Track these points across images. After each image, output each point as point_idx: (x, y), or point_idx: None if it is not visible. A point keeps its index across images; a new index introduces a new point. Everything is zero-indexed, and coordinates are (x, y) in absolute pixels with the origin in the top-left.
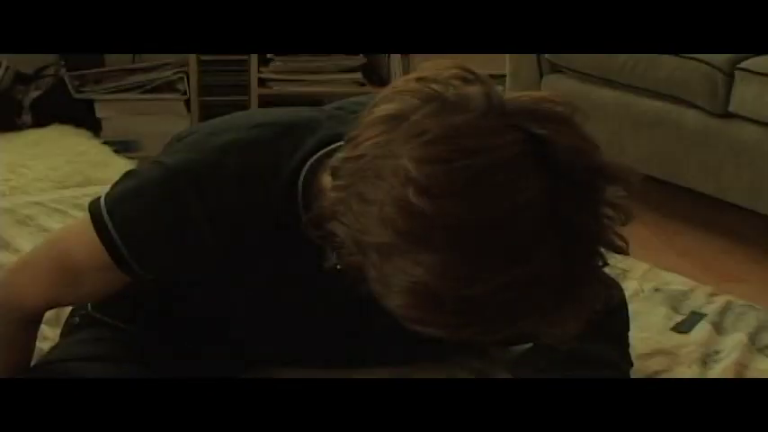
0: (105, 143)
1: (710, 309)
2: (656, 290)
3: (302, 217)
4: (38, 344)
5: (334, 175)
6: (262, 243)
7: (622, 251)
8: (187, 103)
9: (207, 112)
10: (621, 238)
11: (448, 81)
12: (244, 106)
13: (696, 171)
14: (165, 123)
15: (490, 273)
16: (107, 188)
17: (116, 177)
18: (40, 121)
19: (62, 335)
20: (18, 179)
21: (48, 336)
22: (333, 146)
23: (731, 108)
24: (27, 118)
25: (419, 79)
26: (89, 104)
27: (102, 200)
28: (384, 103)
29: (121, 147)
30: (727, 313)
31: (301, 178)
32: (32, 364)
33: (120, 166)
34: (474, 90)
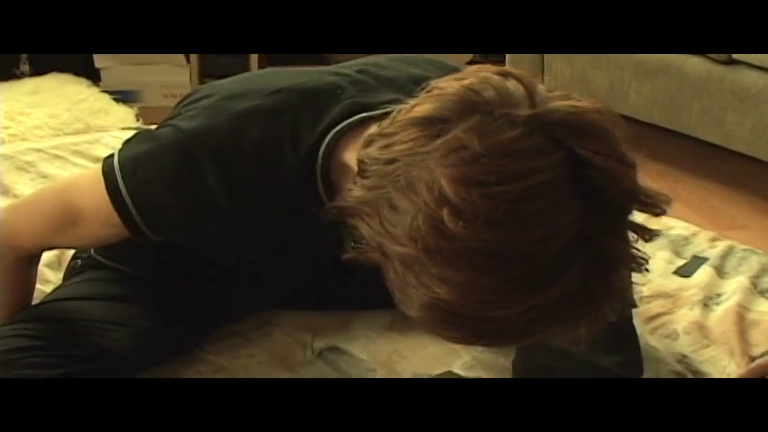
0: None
1: (712, 253)
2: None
3: (320, 189)
4: (40, 287)
5: (362, 171)
6: (276, 211)
7: (642, 269)
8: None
9: (206, 63)
10: (642, 254)
11: (492, 87)
12: (243, 55)
13: (699, 118)
14: (163, 73)
15: (515, 298)
16: (107, 136)
17: (116, 125)
18: (38, 72)
19: (64, 277)
20: (17, 126)
21: (49, 279)
22: (356, 117)
23: (735, 54)
24: (25, 68)
25: (463, 84)
26: (87, 54)
27: (116, 161)
28: (423, 104)
29: (121, 96)
30: (729, 257)
31: (321, 151)
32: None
33: (120, 113)
34: (519, 101)
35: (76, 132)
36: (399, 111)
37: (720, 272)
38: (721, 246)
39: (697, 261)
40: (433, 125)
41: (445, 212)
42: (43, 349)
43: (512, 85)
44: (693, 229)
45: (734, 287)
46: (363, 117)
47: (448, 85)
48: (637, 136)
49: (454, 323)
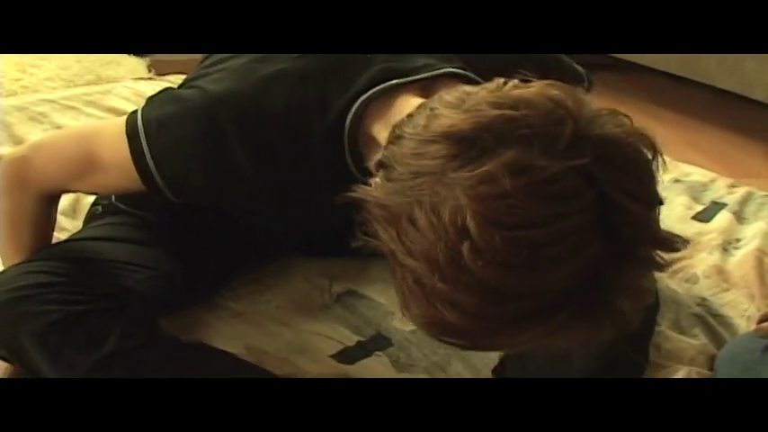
0: None
1: (731, 199)
2: (676, 181)
3: (348, 159)
4: (56, 234)
5: (386, 167)
6: (299, 177)
7: (647, 301)
8: None
9: None
10: (649, 281)
11: (535, 112)
12: None
13: (717, 66)
14: None
15: (519, 327)
16: (119, 86)
17: (128, 76)
18: None
19: (85, 223)
20: (29, 78)
21: (65, 227)
22: (385, 84)
23: None
24: None
25: (504, 108)
26: None
27: (140, 121)
28: (462, 121)
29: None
30: (748, 203)
31: (349, 119)
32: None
33: (131, 64)
34: (561, 124)
35: (88, 83)
36: (435, 116)
37: (739, 217)
38: (740, 192)
39: (716, 206)
40: (468, 149)
41: (465, 248)
42: (64, 285)
43: (555, 106)
44: (711, 175)
45: (753, 232)
46: (393, 84)
47: (489, 111)
48: (653, 85)
49: (456, 338)
